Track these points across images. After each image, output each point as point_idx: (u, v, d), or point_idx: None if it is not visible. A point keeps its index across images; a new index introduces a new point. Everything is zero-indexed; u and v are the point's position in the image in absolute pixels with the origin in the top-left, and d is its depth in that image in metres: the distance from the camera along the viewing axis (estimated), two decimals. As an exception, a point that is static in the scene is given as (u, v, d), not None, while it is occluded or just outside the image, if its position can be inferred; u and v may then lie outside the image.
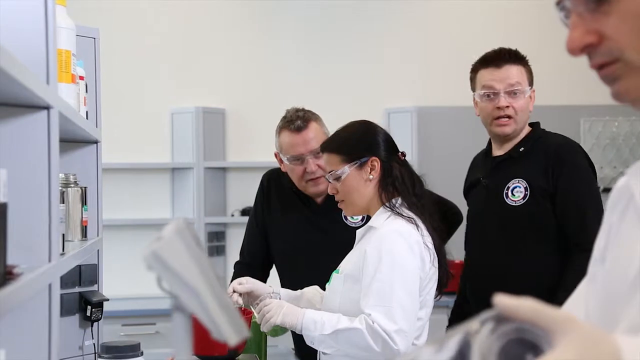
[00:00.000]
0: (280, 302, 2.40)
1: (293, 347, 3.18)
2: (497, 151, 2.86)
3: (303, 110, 2.95)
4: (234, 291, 2.53)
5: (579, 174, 2.72)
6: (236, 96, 5.48)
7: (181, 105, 5.37)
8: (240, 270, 3.15)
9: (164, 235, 0.88)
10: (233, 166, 5.42)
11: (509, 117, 2.76)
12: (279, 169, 3.07)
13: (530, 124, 2.89)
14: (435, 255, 2.35)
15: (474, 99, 2.86)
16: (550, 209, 2.70)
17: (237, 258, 3.23)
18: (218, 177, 5.40)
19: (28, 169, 1.56)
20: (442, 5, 5.66)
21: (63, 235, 1.95)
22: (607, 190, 6.13)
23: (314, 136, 2.88)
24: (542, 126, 5.36)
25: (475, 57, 6.17)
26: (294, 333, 3.04)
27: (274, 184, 3.11)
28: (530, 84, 2.83)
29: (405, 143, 4.96)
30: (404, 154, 2.45)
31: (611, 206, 1.12)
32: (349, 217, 2.95)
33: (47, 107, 1.57)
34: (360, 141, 2.42)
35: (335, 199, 2.47)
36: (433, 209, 2.43)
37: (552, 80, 5.64)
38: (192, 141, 5.29)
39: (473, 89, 2.87)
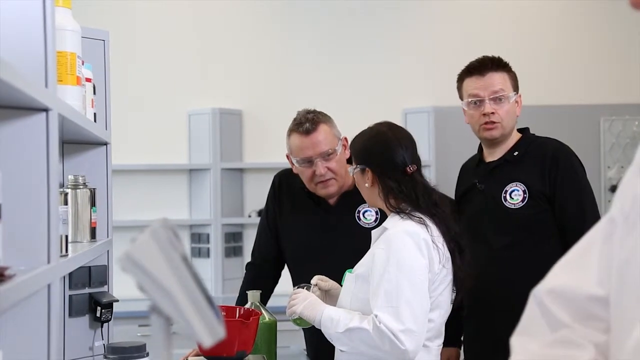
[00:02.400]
0: (307, 294, 2.47)
1: (305, 347, 3.18)
2: (489, 157, 2.92)
3: (313, 112, 2.93)
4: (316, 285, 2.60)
5: (576, 177, 2.79)
6: (253, 97, 5.50)
7: (198, 107, 5.39)
8: (252, 271, 3.16)
9: (138, 238, 0.88)
10: (250, 167, 5.44)
11: (494, 122, 2.82)
12: (291, 169, 3.07)
13: (520, 130, 2.95)
14: (448, 256, 2.34)
15: (463, 107, 2.92)
16: (549, 211, 2.76)
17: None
18: (235, 178, 5.41)
19: (27, 171, 1.57)
20: (461, 5, 5.63)
21: (66, 236, 1.96)
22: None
23: (323, 139, 2.86)
24: (562, 125, 5.36)
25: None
26: (306, 334, 3.05)
27: (286, 185, 3.10)
28: (515, 89, 2.89)
29: (423, 143, 4.94)
30: (411, 168, 2.42)
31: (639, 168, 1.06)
32: (362, 218, 2.94)
33: (45, 109, 1.58)
34: (363, 149, 2.48)
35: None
36: (450, 218, 2.42)
37: (572, 79, 5.60)
38: (209, 142, 5.31)
39: (461, 97, 2.94)
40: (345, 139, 2.97)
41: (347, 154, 2.98)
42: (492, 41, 5.51)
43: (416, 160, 2.45)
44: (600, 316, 1.08)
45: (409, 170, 2.41)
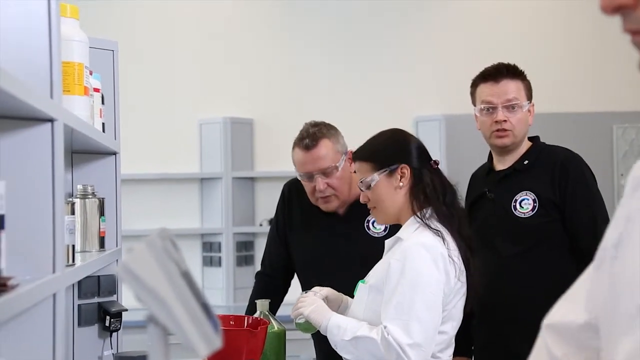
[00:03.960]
0: (315, 299, 2.44)
1: (315, 357, 3.17)
2: (500, 165, 2.91)
3: (317, 125, 2.93)
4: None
5: (587, 185, 2.78)
6: (264, 106, 5.51)
7: (209, 116, 5.40)
8: (261, 280, 3.16)
9: (134, 248, 0.88)
10: (261, 176, 5.44)
11: (506, 129, 2.81)
12: (300, 178, 3.08)
13: (531, 138, 2.93)
14: (463, 269, 2.32)
15: (475, 113, 2.90)
16: (559, 219, 2.75)
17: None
18: (246, 187, 5.42)
19: (32, 181, 1.58)
20: (472, 13, 5.62)
21: (73, 246, 1.97)
22: None
23: (323, 155, 2.86)
24: (575, 133, 5.32)
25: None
26: (316, 343, 3.04)
27: (295, 194, 3.11)
28: (529, 98, 2.87)
29: (434, 151, 4.87)
30: (436, 163, 2.43)
31: (630, 192, 1.07)
32: (371, 227, 2.94)
33: (50, 120, 1.59)
34: (390, 149, 2.42)
35: (368, 207, 2.47)
36: (464, 218, 2.41)
37: (584, 86, 5.58)
38: (220, 151, 5.32)
39: (474, 103, 2.93)
40: (351, 152, 2.97)
41: (353, 167, 2.98)
42: (503, 49, 5.49)
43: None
44: (593, 346, 1.10)
45: (434, 164, 2.41)
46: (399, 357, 2.19)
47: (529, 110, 2.86)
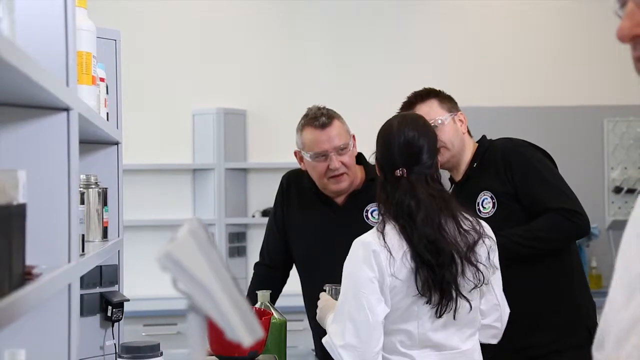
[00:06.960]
0: (326, 298, 2.50)
1: (313, 348, 3.18)
2: (457, 176, 2.96)
3: (325, 108, 2.97)
4: None
5: (532, 165, 2.80)
6: (257, 97, 5.50)
7: (202, 107, 5.39)
8: (260, 271, 3.17)
9: (178, 236, 0.88)
10: (254, 167, 5.44)
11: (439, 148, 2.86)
12: (299, 169, 3.08)
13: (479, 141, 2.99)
14: (411, 267, 2.18)
15: None
16: (519, 209, 2.78)
17: (258, 259, 3.23)
18: (239, 178, 5.42)
19: (48, 170, 1.57)
20: (468, 9, 5.63)
21: (83, 235, 1.96)
22: (632, 191, 5.99)
23: (337, 133, 2.90)
24: (566, 127, 5.34)
25: (503, 59, 6.08)
26: (315, 334, 3.05)
27: (294, 185, 3.11)
28: (450, 110, 2.92)
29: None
30: (403, 171, 2.28)
31: None
32: (370, 217, 2.95)
33: (66, 109, 1.58)
34: (379, 152, 2.41)
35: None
36: (449, 202, 2.31)
37: (575, 80, 5.61)
38: (213, 142, 5.31)
39: None
40: (353, 136, 2.99)
41: (356, 150, 3.00)
42: (497, 44, 5.51)
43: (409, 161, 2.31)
44: None
45: (398, 173, 2.29)
46: (337, 358, 2.23)
47: (460, 120, 2.91)
